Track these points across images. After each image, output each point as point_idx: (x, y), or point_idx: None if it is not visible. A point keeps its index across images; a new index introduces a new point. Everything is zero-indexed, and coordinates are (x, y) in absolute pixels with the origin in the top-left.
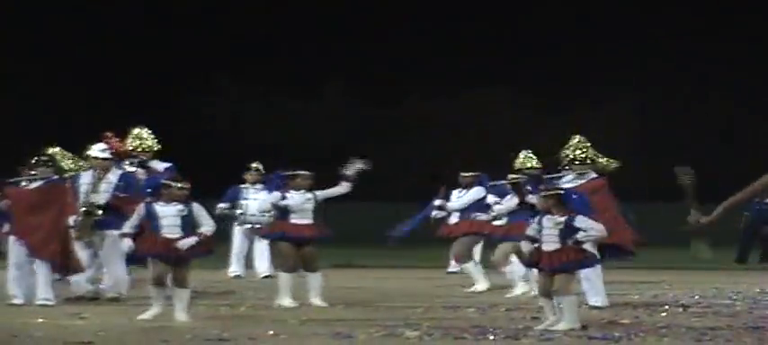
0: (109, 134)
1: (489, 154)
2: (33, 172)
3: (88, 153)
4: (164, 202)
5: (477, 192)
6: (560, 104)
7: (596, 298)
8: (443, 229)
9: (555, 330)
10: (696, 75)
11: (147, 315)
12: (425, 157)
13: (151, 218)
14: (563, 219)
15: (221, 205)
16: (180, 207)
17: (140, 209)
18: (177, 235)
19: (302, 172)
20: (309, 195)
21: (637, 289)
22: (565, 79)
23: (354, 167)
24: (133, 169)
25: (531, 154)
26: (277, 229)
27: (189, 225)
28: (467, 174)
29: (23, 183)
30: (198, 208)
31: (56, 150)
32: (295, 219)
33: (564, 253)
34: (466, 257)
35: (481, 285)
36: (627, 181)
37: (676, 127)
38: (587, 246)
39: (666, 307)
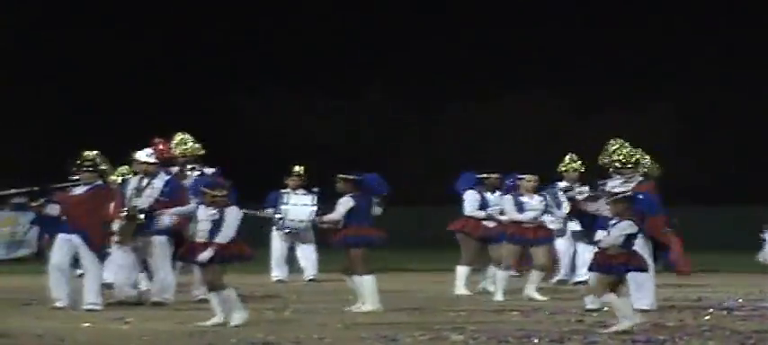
0: (157, 139)
1: (526, 156)
2: (76, 178)
3: (134, 157)
4: (203, 206)
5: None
6: (599, 107)
7: (643, 301)
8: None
9: (604, 332)
10: (738, 76)
11: (211, 322)
12: (464, 160)
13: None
14: (613, 222)
15: (266, 211)
16: (212, 211)
17: (191, 207)
18: (205, 240)
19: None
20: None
21: (681, 292)
22: (603, 81)
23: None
24: (189, 174)
25: (575, 157)
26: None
27: (219, 230)
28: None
29: (70, 188)
30: (230, 215)
31: (94, 153)
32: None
33: (613, 256)
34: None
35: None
36: (669, 185)
37: (719, 129)
38: (638, 250)
39: (711, 310)
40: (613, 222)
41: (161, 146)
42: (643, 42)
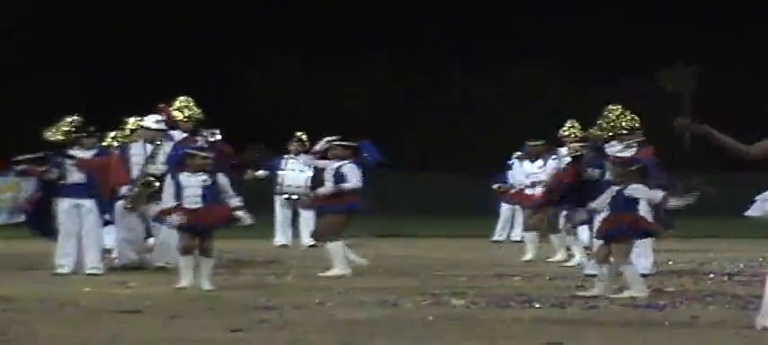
0: (163, 105)
1: (533, 126)
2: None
3: (140, 123)
4: (188, 172)
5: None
6: (606, 76)
7: (643, 266)
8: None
9: (618, 297)
10: (754, 43)
11: (179, 285)
12: (469, 129)
13: (176, 188)
14: (617, 188)
15: (258, 172)
16: (204, 177)
17: (168, 181)
18: (199, 205)
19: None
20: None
21: (682, 258)
22: (611, 51)
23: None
24: (200, 138)
25: (575, 123)
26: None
27: (212, 195)
28: (535, 143)
29: (78, 153)
30: (223, 180)
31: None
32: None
33: (618, 221)
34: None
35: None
36: (678, 151)
37: (730, 95)
38: (643, 215)
39: (712, 275)
40: (619, 188)
41: (168, 112)
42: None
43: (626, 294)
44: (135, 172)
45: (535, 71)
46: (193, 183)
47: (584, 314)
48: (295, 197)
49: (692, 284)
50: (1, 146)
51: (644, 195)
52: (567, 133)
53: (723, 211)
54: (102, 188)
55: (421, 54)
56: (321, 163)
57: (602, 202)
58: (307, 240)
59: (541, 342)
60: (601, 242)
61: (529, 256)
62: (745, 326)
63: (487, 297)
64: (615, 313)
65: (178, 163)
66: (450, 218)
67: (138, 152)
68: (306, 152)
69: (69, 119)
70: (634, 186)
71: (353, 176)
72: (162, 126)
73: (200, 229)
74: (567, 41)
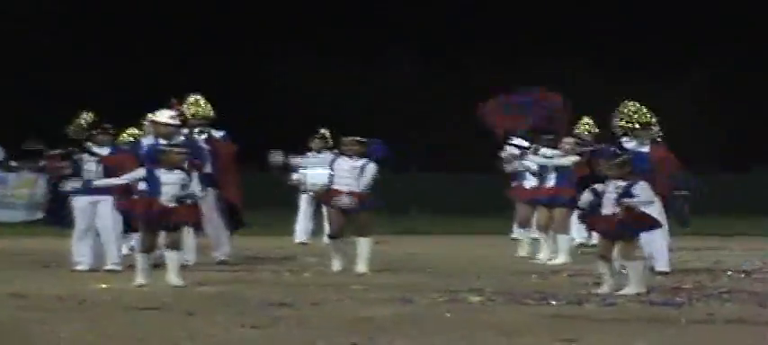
0: (176, 100)
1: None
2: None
3: (154, 119)
4: (166, 169)
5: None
6: (629, 75)
7: (661, 264)
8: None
9: (619, 294)
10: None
11: (137, 282)
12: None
13: (152, 184)
14: (623, 184)
15: (278, 158)
16: (183, 175)
17: (139, 172)
18: (173, 205)
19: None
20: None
21: (699, 255)
22: (634, 50)
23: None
24: (199, 136)
25: (590, 121)
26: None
27: (188, 191)
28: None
29: (96, 149)
30: (195, 179)
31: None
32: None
33: (623, 218)
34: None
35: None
36: (696, 151)
37: (745, 98)
38: (650, 210)
39: (729, 273)
40: (626, 184)
41: (182, 108)
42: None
43: (627, 290)
44: None
45: (556, 66)
46: (171, 181)
47: (601, 312)
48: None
49: (709, 281)
50: (20, 138)
51: (645, 196)
52: (579, 130)
53: (740, 209)
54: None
55: (441, 50)
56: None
57: (585, 200)
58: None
59: (558, 339)
60: (604, 239)
61: (542, 255)
62: (762, 323)
63: (504, 295)
64: (632, 310)
65: (151, 159)
66: (469, 215)
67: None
68: (329, 149)
69: (84, 116)
70: (641, 184)
71: (370, 176)
72: (176, 121)
73: (168, 226)
74: (592, 35)
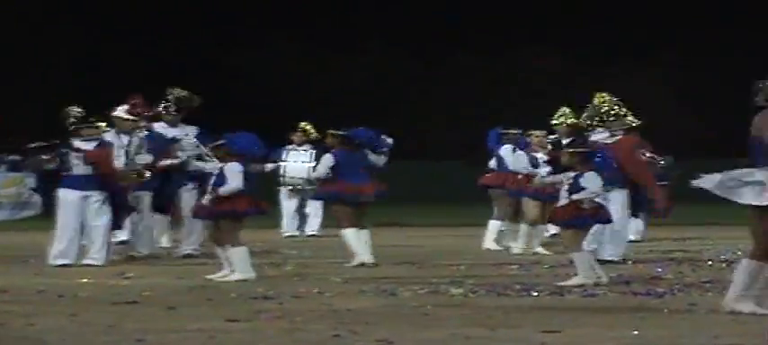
0: (135, 97)
1: (531, 111)
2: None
3: (117, 115)
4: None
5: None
6: (602, 60)
7: (610, 253)
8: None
9: (571, 285)
10: (740, 29)
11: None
12: (468, 115)
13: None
14: (572, 175)
15: (266, 166)
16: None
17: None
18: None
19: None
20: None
21: (680, 245)
22: (607, 36)
23: None
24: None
25: (567, 111)
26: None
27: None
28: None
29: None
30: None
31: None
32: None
33: (571, 209)
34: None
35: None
36: (670, 137)
37: (720, 82)
38: (614, 198)
39: (710, 262)
40: (575, 174)
41: (141, 104)
42: None
43: (574, 280)
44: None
45: (538, 57)
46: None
47: (582, 302)
48: (299, 187)
49: (691, 271)
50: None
51: (593, 186)
52: (558, 122)
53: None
54: (108, 179)
55: (421, 38)
56: None
57: (590, 194)
58: (308, 229)
59: (540, 330)
60: (559, 229)
61: (535, 248)
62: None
63: (486, 286)
64: (614, 300)
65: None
66: (450, 206)
67: (118, 143)
68: (310, 142)
69: (70, 110)
70: (589, 175)
71: (321, 166)
72: (132, 117)
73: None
74: (572, 25)
